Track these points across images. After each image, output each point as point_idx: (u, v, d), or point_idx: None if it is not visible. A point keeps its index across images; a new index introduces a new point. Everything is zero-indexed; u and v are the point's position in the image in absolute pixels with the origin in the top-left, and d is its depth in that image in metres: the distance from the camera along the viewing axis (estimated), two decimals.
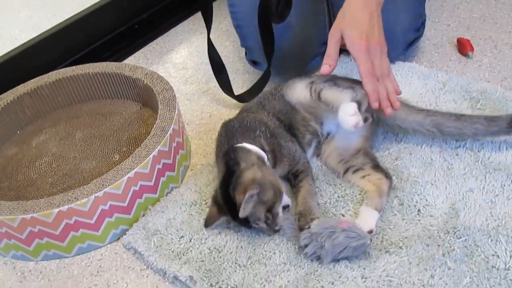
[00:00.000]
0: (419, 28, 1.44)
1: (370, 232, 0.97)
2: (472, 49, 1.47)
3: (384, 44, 1.11)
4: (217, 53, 1.43)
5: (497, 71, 1.40)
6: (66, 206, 1.00)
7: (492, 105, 1.22)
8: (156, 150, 1.09)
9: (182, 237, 1.01)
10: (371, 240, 0.94)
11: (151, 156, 1.08)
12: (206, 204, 1.08)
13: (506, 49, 1.48)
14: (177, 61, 1.68)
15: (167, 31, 1.85)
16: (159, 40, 1.81)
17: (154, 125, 1.15)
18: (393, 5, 1.34)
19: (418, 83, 1.32)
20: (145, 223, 1.06)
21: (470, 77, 1.38)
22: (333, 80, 1.13)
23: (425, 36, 1.55)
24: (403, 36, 1.39)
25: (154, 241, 1.02)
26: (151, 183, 1.10)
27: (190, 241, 1.01)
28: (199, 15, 1.91)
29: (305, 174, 1.09)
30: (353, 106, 1.02)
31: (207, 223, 1.02)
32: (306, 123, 1.14)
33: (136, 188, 1.07)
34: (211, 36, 1.40)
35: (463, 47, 1.48)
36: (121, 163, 1.07)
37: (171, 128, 1.14)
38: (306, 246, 0.94)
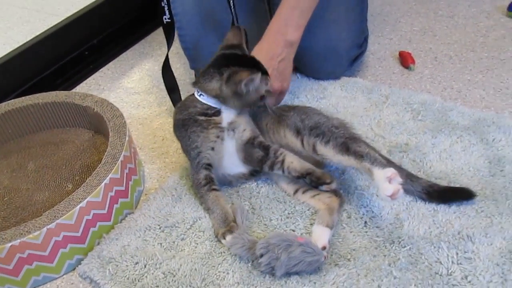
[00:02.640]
0: (361, 44, 1.49)
1: (324, 248, 0.99)
2: (414, 62, 1.53)
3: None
4: (172, 72, 1.45)
5: (437, 82, 1.47)
6: (18, 240, 0.99)
7: (433, 115, 1.27)
8: (108, 178, 1.10)
9: (137, 263, 1.02)
10: (325, 257, 0.97)
11: (102, 184, 1.09)
12: (160, 228, 1.10)
13: (445, 60, 1.55)
14: (129, 85, 1.69)
15: (118, 56, 1.86)
16: (110, 65, 1.82)
17: (105, 153, 1.16)
18: (335, 24, 1.40)
19: (362, 98, 1.37)
20: (100, 251, 1.06)
21: (412, 89, 1.44)
22: (318, 127, 1.10)
23: (369, 51, 1.61)
24: (347, 53, 1.44)
25: (109, 269, 1.02)
26: (104, 211, 1.11)
27: (145, 266, 1.02)
28: (149, 38, 1.94)
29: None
30: (393, 170, 0.95)
31: (247, 81, 1.04)
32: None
33: (89, 217, 1.07)
34: (162, 59, 1.43)
35: (405, 60, 1.54)
36: (73, 193, 1.07)
37: (122, 155, 1.15)
38: (261, 255, 0.96)
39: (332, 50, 1.41)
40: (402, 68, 1.55)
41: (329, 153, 1.05)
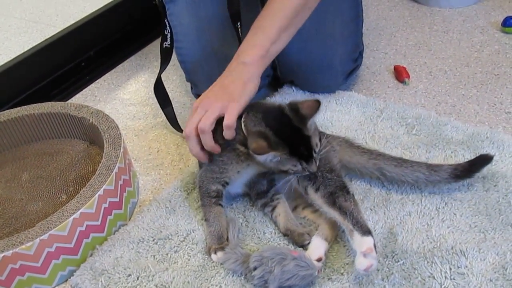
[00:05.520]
0: (357, 59, 1.50)
1: (319, 260, 0.99)
2: (408, 76, 1.54)
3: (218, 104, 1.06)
4: (164, 88, 1.47)
5: (432, 96, 1.47)
6: (11, 251, 0.99)
7: (427, 130, 1.28)
8: (102, 189, 1.10)
9: (129, 275, 1.02)
10: (318, 272, 0.97)
11: (96, 195, 1.09)
12: (153, 240, 1.09)
13: (440, 75, 1.56)
14: (125, 97, 1.69)
15: (114, 67, 1.86)
16: (107, 76, 1.82)
17: (100, 164, 1.16)
18: (331, 38, 1.41)
19: (357, 111, 1.38)
20: (93, 263, 1.06)
21: (407, 103, 1.44)
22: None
23: (364, 65, 1.62)
24: (342, 67, 1.45)
25: (101, 281, 1.02)
26: (98, 223, 1.11)
27: (138, 279, 1.01)
28: (146, 50, 1.95)
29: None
30: (370, 242, 0.95)
31: (261, 153, 0.97)
32: None
33: (82, 229, 1.07)
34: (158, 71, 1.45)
35: (400, 74, 1.55)
36: (66, 204, 1.07)
37: (116, 166, 1.15)
38: (255, 268, 0.96)
39: (327, 64, 1.42)
40: (397, 82, 1.55)
41: (318, 200, 1.05)
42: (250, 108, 1.06)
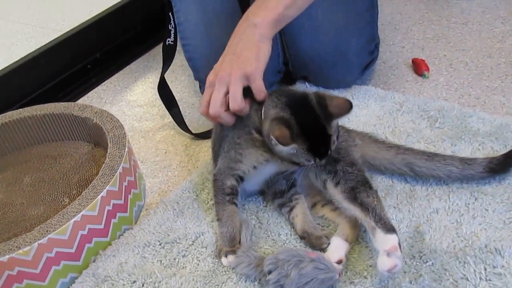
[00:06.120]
0: (373, 51, 1.43)
1: (339, 262, 0.92)
2: (428, 69, 1.46)
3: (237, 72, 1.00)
4: (169, 89, 1.41)
5: (454, 89, 1.39)
6: (7, 256, 0.92)
7: (451, 122, 1.20)
8: (105, 190, 1.03)
9: (134, 282, 0.95)
10: (340, 275, 0.89)
11: (99, 197, 1.02)
12: (160, 244, 1.02)
13: (461, 67, 1.48)
14: (131, 98, 1.63)
15: (121, 69, 1.81)
16: (113, 78, 1.76)
17: (103, 165, 1.10)
18: (345, 30, 1.34)
19: (375, 106, 1.30)
20: (95, 269, 0.99)
21: (428, 96, 1.36)
22: (333, 163, 0.99)
23: (381, 59, 1.54)
24: (357, 60, 1.38)
25: None
26: (101, 226, 1.03)
27: (143, 285, 0.94)
28: (154, 52, 1.89)
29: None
30: (394, 239, 0.87)
31: (284, 142, 0.89)
32: None
33: (84, 232, 1.00)
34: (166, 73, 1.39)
35: (419, 67, 1.47)
36: (67, 207, 1.00)
37: (120, 166, 1.08)
38: (270, 272, 0.88)
39: (341, 57, 1.34)
40: (416, 76, 1.47)
41: (337, 196, 0.97)
42: (273, 91, 1.00)
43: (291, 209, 1.03)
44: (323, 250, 0.95)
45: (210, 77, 1.02)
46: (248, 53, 1.00)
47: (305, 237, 0.99)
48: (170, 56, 1.38)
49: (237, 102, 0.97)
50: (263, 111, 0.97)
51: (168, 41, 1.36)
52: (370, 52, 1.41)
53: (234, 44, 1.03)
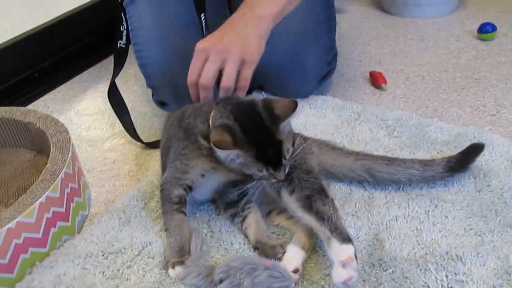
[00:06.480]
0: (331, 61, 1.41)
1: (296, 271, 0.86)
2: (385, 81, 1.45)
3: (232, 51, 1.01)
4: (120, 95, 1.35)
5: (411, 101, 1.38)
6: None
7: (409, 131, 1.18)
8: (44, 196, 0.95)
9: None
10: (296, 284, 0.83)
11: (37, 203, 0.93)
12: (103, 255, 0.94)
13: (418, 80, 1.47)
14: (80, 107, 1.55)
15: (71, 79, 1.73)
16: (62, 87, 1.69)
17: (44, 170, 1.01)
18: (303, 38, 1.32)
19: (333, 115, 1.27)
20: (30, 281, 0.90)
21: (385, 107, 1.35)
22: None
23: (338, 72, 1.52)
24: (315, 69, 1.35)
25: None
26: (39, 235, 0.95)
27: None
28: (106, 61, 1.82)
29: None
30: (350, 250, 0.83)
31: (224, 148, 0.85)
32: None
33: (19, 241, 0.91)
34: (117, 81, 1.33)
35: (376, 80, 1.46)
36: (0, 213, 0.91)
37: (63, 171, 1.00)
38: (221, 281, 0.82)
39: (299, 65, 1.32)
40: (374, 89, 1.46)
41: (292, 204, 0.92)
42: (220, 100, 0.96)
43: (243, 219, 0.98)
44: (279, 259, 0.90)
45: (204, 44, 1.00)
46: (252, 41, 1.03)
47: (259, 247, 0.94)
48: (121, 60, 1.32)
49: (231, 81, 0.99)
50: (210, 120, 0.92)
51: (120, 43, 1.30)
52: (328, 62, 1.39)
53: (239, 26, 1.04)
